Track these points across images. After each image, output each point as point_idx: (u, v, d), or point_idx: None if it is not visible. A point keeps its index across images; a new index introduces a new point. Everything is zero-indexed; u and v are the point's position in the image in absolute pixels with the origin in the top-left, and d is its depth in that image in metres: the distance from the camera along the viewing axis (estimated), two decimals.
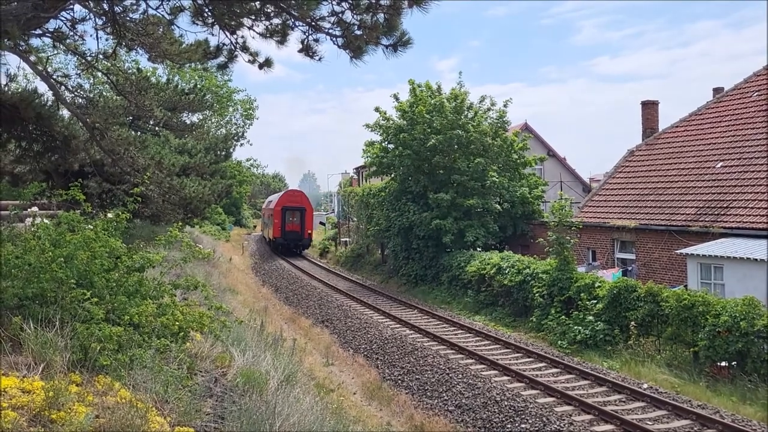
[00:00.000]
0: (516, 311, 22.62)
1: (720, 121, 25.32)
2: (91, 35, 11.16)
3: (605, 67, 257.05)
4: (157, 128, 20.40)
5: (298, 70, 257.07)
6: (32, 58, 13.06)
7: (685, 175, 24.10)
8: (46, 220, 7.67)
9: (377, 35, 7.76)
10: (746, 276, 17.06)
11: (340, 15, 7.95)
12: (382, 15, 7.72)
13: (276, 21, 8.59)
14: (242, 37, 9.21)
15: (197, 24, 9.12)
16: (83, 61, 13.58)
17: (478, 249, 27.86)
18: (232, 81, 58.56)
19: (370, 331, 21.50)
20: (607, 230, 24.76)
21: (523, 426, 12.65)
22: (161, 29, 10.57)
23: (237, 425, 4.96)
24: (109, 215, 7.66)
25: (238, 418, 5.04)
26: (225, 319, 7.36)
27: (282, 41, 8.72)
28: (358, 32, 7.92)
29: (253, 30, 8.80)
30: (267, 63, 9.63)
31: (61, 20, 10.91)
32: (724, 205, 20.82)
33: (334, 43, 8.13)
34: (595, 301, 18.62)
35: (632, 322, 17.28)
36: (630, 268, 23.14)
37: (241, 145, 62.58)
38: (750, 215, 19.61)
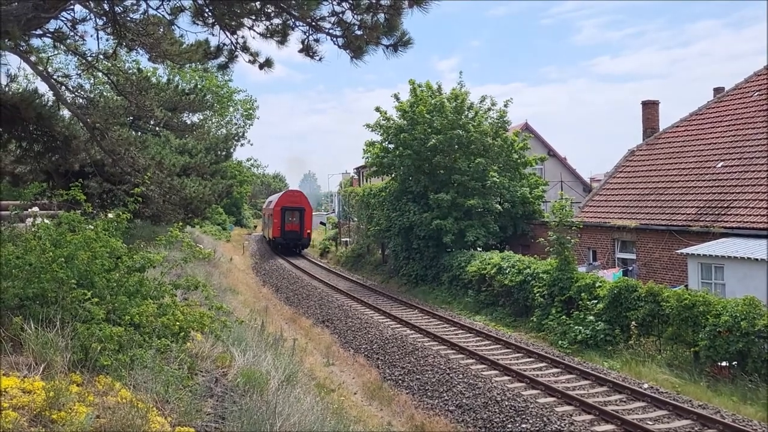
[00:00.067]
0: (516, 311, 22.62)
1: (720, 121, 25.31)
2: (91, 35, 11.18)
3: (605, 67, 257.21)
4: (157, 128, 20.41)
5: (298, 71, 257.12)
6: (33, 58, 13.07)
7: (686, 174, 24.10)
8: (46, 221, 7.68)
9: (378, 35, 7.76)
10: (747, 276, 17.05)
11: (340, 15, 7.96)
12: (383, 15, 7.72)
13: (276, 21, 8.60)
14: (243, 37, 9.22)
15: (198, 24, 9.12)
16: (84, 61, 13.59)
17: (479, 249, 27.86)
18: (232, 81, 58.69)
19: (370, 331, 21.51)
20: (608, 230, 24.76)
21: (523, 426, 12.65)
22: (162, 29, 10.57)
23: (237, 425, 4.96)
24: (110, 215, 7.67)
25: (239, 418, 5.05)
26: (225, 319, 7.36)
27: (282, 41, 8.72)
28: (359, 32, 7.92)
29: (254, 30, 8.81)
30: (267, 63, 9.64)
31: (62, 20, 10.92)
32: (725, 205, 20.82)
33: (335, 44, 8.14)
34: (596, 301, 18.62)
35: (633, 322, 17.27)
36: (630, 268, 23.13)
37: (242, 145, 62.69)
38: (751, 215, 19.60)
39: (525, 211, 30.11)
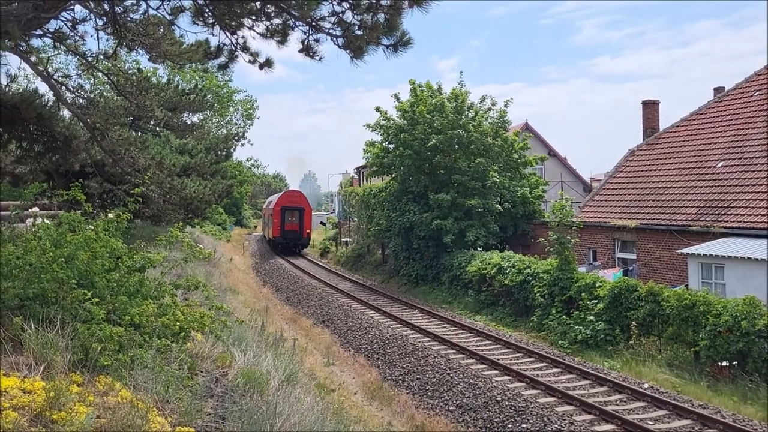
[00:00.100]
0: (517, 311, 22.62)
1: (721, 121, 25.30)
2: (91, 36, 11.17)
3: (605, 66, 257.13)
4: (157, 128, 20.42)
5: (298, 71, 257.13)
6: (33, 58, 13.07)
7: (686, 174, 24.09)
8: (47, 221, 7.69)
9: (378, 35, 7.76)
10: (747, 276, 17.05)
11: (340, 15, 7.96)
12: (383, 15, 7.72)
13: (276, 21, 8.60)
14: (243, 37, 9.21)
15: (198, 24, 9.13)
16: (84, 61, 13.59)
17: (479, 249, 27.86)
18: (232, 81, 58.74)
19: (370, 331, 21.51)
20: (608, 230, 24.76)
21: (524, 426, 12.65)
22: (162, 29, 10.57)
23: (238, 425, 4.96)
24: (110, 215, 7.66)
25: (239, 418, 5.05)
26: (226, 320, 7.37)
27: (282, 41, 8.72)
28: (359, 32, 7.92)
29: (254, 30, 8.80)
30: (267, 63, 9.64)
31: (62, 21, 10.91)
32: (725, 205, 20.81)
33: (335, 44, 8.14)
34: (596, 301, 18.62)
35: (633, 322, 17.27)
36: (631, 268, 23.13)
37: (242, 145, 62.84)
38: (751, 215, 19.60)
39: (525, 211, 30.11)
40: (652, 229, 22.72)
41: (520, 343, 18.83)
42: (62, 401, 4.09)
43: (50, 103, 13.01)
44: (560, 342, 18.74)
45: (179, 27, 10.37)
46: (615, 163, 29.13)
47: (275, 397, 5.87)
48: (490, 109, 30.67)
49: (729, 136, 24.02)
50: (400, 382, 16.57)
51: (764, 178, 20.56)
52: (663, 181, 24.68)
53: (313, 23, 8.17)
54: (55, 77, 13.49)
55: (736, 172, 21.96)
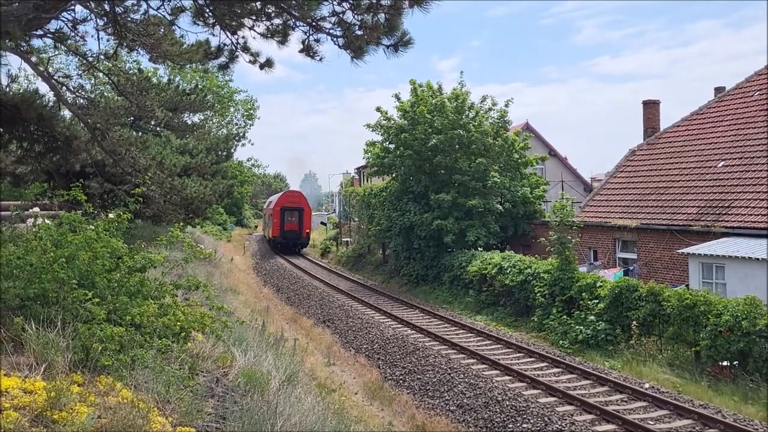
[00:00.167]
0: (517, 311, 22.62)
1: (721, 121, 25.29)
2: (92, 36, 11.17)
3: (606, 66, 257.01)
4: (158, 129, 20.44)
5: (299, 71, 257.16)
6: (33, 58, 13.07)
7: (687, 174, 24.09)
8: (47, 221, 7.69)
9: (378, 35, 7.76)
10: (748, 275, 17.05)
11: (341, 15, 7.96)
12: (383, 15, 7.72)
13: (277, 21, 8.60)
14: (243, 37, 9.22)
15: (198, 24, 9.13)
16: (84, 61, 13.60)
17: (480, 249, 27.86)
18: (233, 81, 58.80)
19: (371, 331, 21.51)
20: (609, 230, 24.75)
21: (524, 426, 12.65)
22: (162, 30, 10.57)
23: (238, 425, 4.96)
24: (111, 215, 7.66)
25: (240, 419, 5.05)
26: (226, 320, 7.37)
27: (283, 41, 8.72)
28: (359, 32, 7.92)
29: (254, 30, 8.81)
30: (268, 63, 9.64)
31: (63, 21, 10.92)
32: (726, 205, 20.81)
33: (335, 44, 8.14)
34: (597, 301, 18.61)
35: (634, 322, 17.27)
36: (631, 268, 23.13)
37: (243, 145, 62.88)
38: (751, 215, 19.60)
39: (526, 211, 30.10)
40: (652, 229, 22.71)
41: (520, 343, 18.83)
42: (63, 401, 4.10)
43: (51, 104, 13.03)
44: (561, 342, 18.74)
45: (180, 27, 10.38)
46: (615, 163, 29.16)
47: (276, 397, 5.87)
48: (490, 109, 30.67)
49: (729, 135, 24.02)
50: (401, 382, 16.57)
51: (765, 177, 20.55)
52: (664, 181, 24.67)
53: (314, 23, 8.17)
54: (55, 77, 13.49)
55: (736, 171, 21.95)
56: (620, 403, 13.65)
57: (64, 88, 13.60)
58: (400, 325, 22.20)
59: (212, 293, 7.81)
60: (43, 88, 34.86)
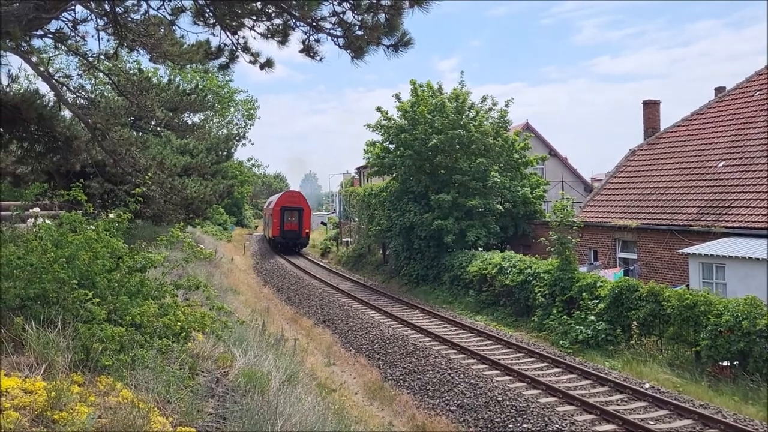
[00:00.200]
0: (517, 311, 22.62)
1: (721, 121, 25.29)
2: (92, 36, 11.18)
3: (606, 66, 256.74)
4: (158, 129, 20.45)
5: (299, 71, 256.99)
6: (34, 58, 13.09)
7: (687, 174, 24.09)
8: (47, 221, 7.69)
9: (378, 35, 7.76)
10: (748, 275, 17.05)
11: (341, 15, 7.96)
12: (383, 15, 7.72)
13: (277, 21, 8.60)
14: (243, 37, 9.22)
15: (198, 24, 9.13)
16: (85, 61, 13.61)
17: (480, 249, 27.86)
18: (233, 81, 58.81)
19: (371, 331, 21.51)
20: (609, 230, 24.75)
21: (524, 426, 12.65)
22: (163, 30, 10.58)
23: (239, 425, 4.97)
24: (111, 216, 7.67)
25: (240, 419, 5.05)
26: (227, 320, 7.37)
27: (283, 42, 8.73)
28: (359, 32, 7.92)
29: (255, 30, 8.81)
30: (268, 63, 9.65)
31: (63, 21, 10.93)
32: (726, 205, 20.81)
33: (335, 44, 8.14)
34: (597, 301, 18.61)
35: (634, 322, 17.27)
36: (632, 268, 23.13)
37: (243, 145, 62.89)
38: (752, 215, 19.60)
39: (526, 211, 30.10)
40: (653, 229, 22.71)
41: (521, 343, 18.83)
42: (63, 401, 4.10)
43: (51, 104, 13.04)
44: (561, 342, 18.74)
45: (180, 27, 10.39)
46: (616, 163, 29.16)
47: (276, 397, 5.87)
48: (490, 109, 30.67)
49: (730, 135, 24.02)
50: (401, 382, 16.58)
51: (765, 177, 20.55)
52: (664, 181, 24.67)
53: (314, 23, 8.18)
54: (56, 77, 13.51)
55: (737, 172, 21.95)
56: (620, 403, 13.65)
57: (65, 88, 13.62)
58: (400, 325, 22.20)
59: (212, 293, 7.82)
60: (44, 88, 34.87)
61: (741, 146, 22.94)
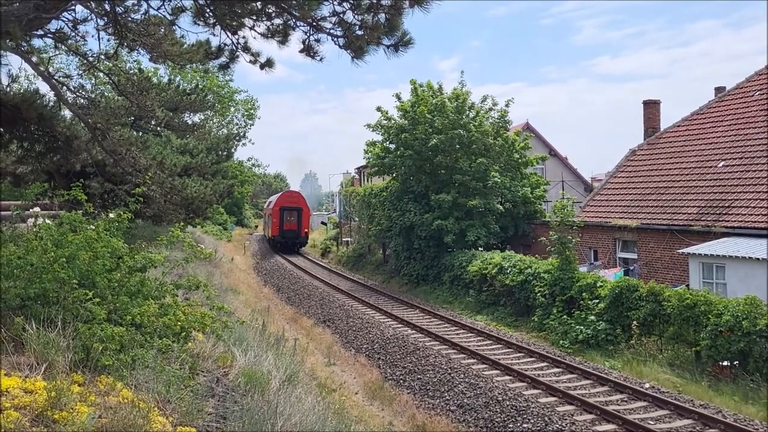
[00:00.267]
0: (518, 311, 22.62)
1: (722, 121, 25.29)
2: (92, 36, 11.18)
3: (606, 66, 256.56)
4: (158, 128, 20.44)
5: (299, 71, 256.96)
6: (34, 58, 13.09)
7: (687, 174, 24.09)
8: (48, 221, 7.69)
9: (378, 35, 7.76)
10: (748, 275, 17.04)
11: (341, 15, 7.96)
12: (384, 15, 7.72)
13: (277, 21, 8.61)
14: (243, 37, 9.23)
15: (199, 24, 9.14)
16: (85, 61, 13.61)
17: (480, 249, 27.86)
18: (233, 81, 58.80)
19: (371, 330, 21.51)
20: (609, 230, 24.75)
21: (525, 426, 12.65)
22: (163, 30, 10.58)
23: (239, 425, 4.97)
24: (111, 215, 7.67)
25: (240, 418, 5.05)
26: (227, 320, 7.37)
27: (283, 41, 8.73)
28: (360, 32, 7.92)
29: (255, 30, 8.82)
30: (268, 63, 9.65)
31: (63, 21, 10.93)
32: (726, 205, 20.81)
33: (336, 44, 8.14)
34: (597, 301, 18.61)
35: (634, 322, 17.27)
36: (632, 268, 23.13)
37: (243, 145, 62.91)
38: (752, 215, 19.60)
39: (526, 210, 30.10)
40: (653, 229, 22.71)
41: (521, 343, 18.83)
42: (63, 401, 4.10)
43: (51, 104, 13.04)
44: (561, 342, 18.74)
45: (180, 27, 10.39)
46: (616, 162, 29.16)
47: (276, 396, 5.87)
48: (491, 109, 30.67)
49: (730, 135, 24.02)
50: (401, 381, 16.58)
51: (765, 177, 20.55)
52: (664, 181, 24.67)
53: (314, 23, 8.18)
54: (56, 77, 13.51)
55: (737, 171, 21.95)
56: (620, 403, 13.65)
57: (65, 88, 13.62)
58: (400, 325, 22.20)
59: (212, 293, 7.82)
60: (44, 88, 34.90)
61: (741, 146, 22.94)
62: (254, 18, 8.67)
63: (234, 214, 71.85)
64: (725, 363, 14.78)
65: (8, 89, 12.60)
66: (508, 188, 29.65)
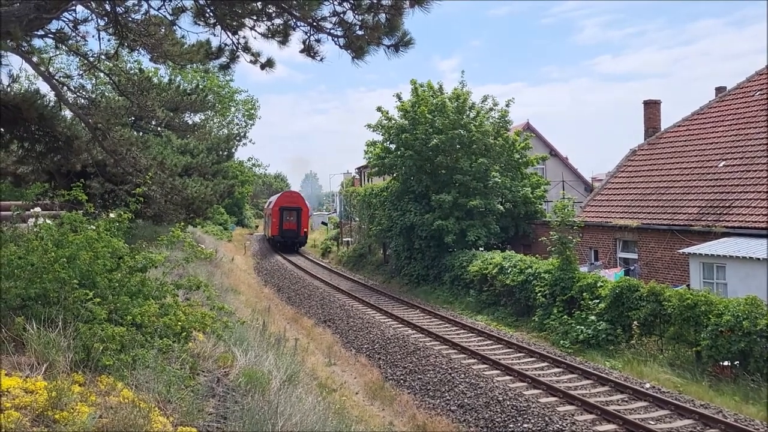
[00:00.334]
0: (518, 311, 22.61)
1: (722, 121, 25.28)
2: (93, 36, 11.22)
3: (607, 66, 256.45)
4: (159, 128, 20.46)
5: (299, 71, 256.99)
6: (34, 58, 13.09)
7: (688, 174, 24.08)
8: (48, 221, 7.69)
9: (379, 35, 7.76)
10: (749, 275, 17.04)
11: (341, 15, 7.96)
12: (384, 15, 7.72)
13: (278, 21, 8.61)
14: (244, 37, 9.23)
15: (199, 24, 9.14)
16: (85, 61, 13.62)
17: (480, 249, 27.86)
18: (234, 81, 58.66)
19: (372, 330, 21.51)
20: (610, 230, 24.75)
21: (525, 426, 12.65)
22: (163, 30, 10.58)
23: (239, 425, 4.97)
24: (112, 215, 7.67)
25: (241, 418, 5.05)
26: (227, 320, 7.37)
27: (284, 42, 8.73)
28: (360, 32, 7.92)
29: (255, 30, 8.82)
30: (269, 63, 9.65)
31: (64, 21, 10.94)
32: (727, 205, 20.80)
33: (336, 44, 8.14)
34: (598, 301, 18.61)
35: (635, 322, 17.26)
36: (632, 268, 23.12)
37: (244, 145, 62.93)
38: (752, 215, 19.59)
39: (527, 211, 30.09)
40: (653, 229, 22.70)
41: (521, 343, 18.83)
42: (64, 401, 4.10)
43: (52, 104, 13.05)
44: (562, 342, 18.74)
45: (181, 27, 10.39)
46: (616, 162, 29.15)
47: (277, 396, 5.87)
48: (491, 109, 30.67)
49: (730, 135, 24.01)
50: (402, 381, 16.58)
51: (765, 177, 20.54)
52: (664, 181, 24.67)
53: (314, 23, 8.18)
54: (56, 77, 13.51)
55: (737, 171, 21.94)
56: (621, 403, 13.65)
57: (65, 88, 13.63)
58: (400, 325, 22.20)
59: (213, 293, 7.82)
60: (44, 88, 34.87)
61: (742, 146, 22.94)
62: (254, 18, 8.68)
63: (234, 214, 71.86)
64: (726, 363, 14.77)
65: (9, 89, 12.60)
66: (509, 188, 29.64)
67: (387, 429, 12.76)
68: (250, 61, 9.57)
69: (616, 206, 25.83)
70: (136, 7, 10.09)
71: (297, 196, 56.29)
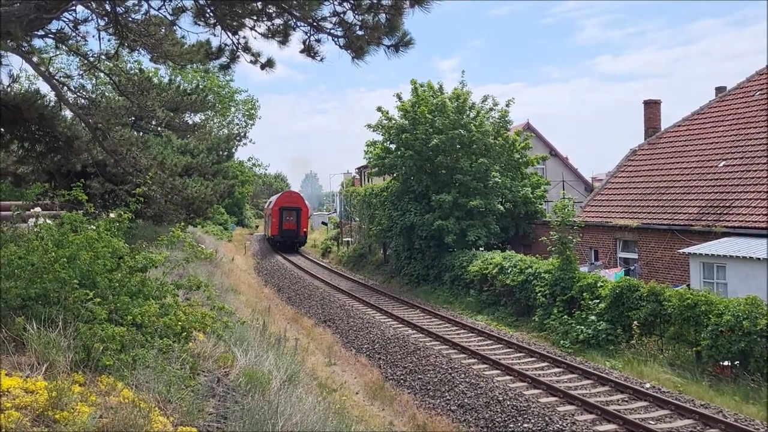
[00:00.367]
0: (518, 311, 22.62)
1: (722, 121, 25.29)
2: (93, 36, 11.24)
3: (607, 66, 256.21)
4: (159, 129, 20.48)
5: (300, 71, 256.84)
6: (35, 59, 13.10)
7: (688, 174, 24.08)
8: (48, 221, 7.70)
9: (379, 35, 7.76)
10: (749, 275, 17.04)
11: (341, 15, 7.97)
12: (384, 15, 7.72)
13: (278, 21, 8.61)
14: (244, 37, 9.23)
15: (199, 25, 9.15)
16: (86, 61, 13.62)
17: (481, 249, 27.86)
18: (234, 81, 58.61)
19: (372, 330, 21.52)
20: (610, 230, 24.75)
21: (525, 425, 12.65)
22: (163, 30, 10.59)
23: (240, 425, 4.97)
24: (112, 215, 7.68)
25: (241, 418, 5.06)
26: (227, 320, 7.38)
27: (284, 42, 8.74)
28: (360, 32, 7.93)
29: (255, 30, 8.82)
30: (269, 63, 9.65)
31: (64, 21, 10.94)
32: (727, 205, 20.80)
33: (336, 44, 8.15)
34: (598, 301, 18.61)
35: (635, 322, 17.26)
36: (632, 268, 23.12)
37: (244, 145, 62.96)
38: (752, 214, 19.59)
39: (527, 210, 30.09)
40: (653, 229, 22.71)
41: (521, 343, 18.83)
42: (64, 401, 4.10)
43: (52, 104, 13.06)
44: (562, 342, 18.74)
45: (181, 27, 10.40)
46: (616, 162, 29.15)
47: (277, 396, 5.88)
48: (491, 109, 30.67)
49: (730, 135, 24.01)
50: (402, 381, 16.58)
51: (766, 177, 20.54)
52: (664, 181, 24.67)
53: (315, 24, 8.18)
54: (56, 78, 13.52)
55: (737, 171, 21.95)
56: (621, 403, 13.65)
57: (66, 88, 13.64)
58: (401, 325, 22.20)
59: (213, 293, 7.83)
60: (45, 88, 34.85)
61: (742, 146, 22.94)
62: (255, 18, 8.68)
63: (234, 214, 71.88)
64: (726, 363, 14.77)
65: (9, 89, 12.61)
66: (509, 188, 29.64)
67: (387, 429, 12.77)
68: (250, 61, 9.58)
69: (616, 206, 25.83)
70: (136, 7, 10.10)
71: (297, 196, 56.55)
